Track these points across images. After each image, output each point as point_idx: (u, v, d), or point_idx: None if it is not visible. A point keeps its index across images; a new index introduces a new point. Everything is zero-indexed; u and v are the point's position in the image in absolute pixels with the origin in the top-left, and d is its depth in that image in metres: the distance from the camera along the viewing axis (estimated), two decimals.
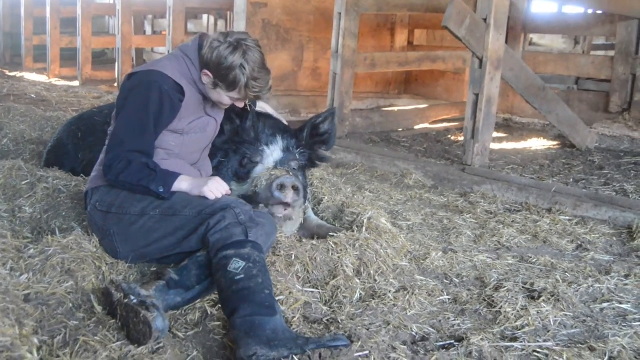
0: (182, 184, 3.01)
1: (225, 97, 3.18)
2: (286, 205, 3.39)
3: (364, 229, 3.63)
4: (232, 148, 3.66)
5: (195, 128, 3.26)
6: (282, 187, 3.33)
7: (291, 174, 3.49)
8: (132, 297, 2.54)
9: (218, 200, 2.96)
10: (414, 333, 2.81)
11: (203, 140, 3.38)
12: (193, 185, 3.04)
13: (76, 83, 11.65)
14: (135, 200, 3.02)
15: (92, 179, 3.24)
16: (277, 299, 2.85)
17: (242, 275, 2.63)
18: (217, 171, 3.62)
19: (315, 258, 3.26)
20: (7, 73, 12.80)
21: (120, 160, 2.94)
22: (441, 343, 2.75)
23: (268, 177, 3.43)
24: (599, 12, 8.53)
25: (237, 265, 2.66)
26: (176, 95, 3.10)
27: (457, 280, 3.46)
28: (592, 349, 2.70)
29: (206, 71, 3.10)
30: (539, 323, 2.94)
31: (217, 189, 3.04)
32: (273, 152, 3.64)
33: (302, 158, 3.77)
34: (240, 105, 3.31)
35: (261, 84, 3.10)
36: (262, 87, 3.12)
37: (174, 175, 3.01)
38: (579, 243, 4.17)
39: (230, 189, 3.50)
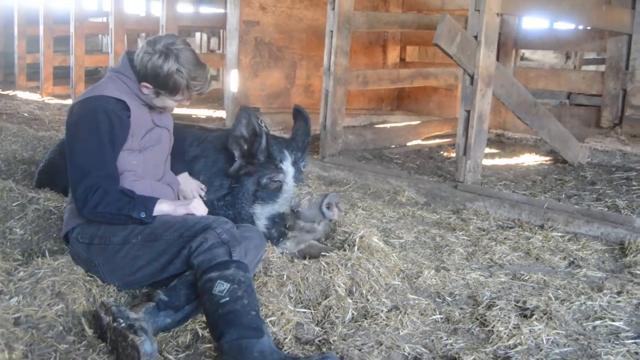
0: (162, 207, 2.99)
1: (169, 102, 3.18)
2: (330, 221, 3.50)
3: (355, 248, 3.63)
4: (245, 171, 3.62)
5: (151, 141, 3.23)
6: (330, 205, 3.42)
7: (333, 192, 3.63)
8: (121, 321, 2.53)
9: (199, 220, 2.93)
10: (406, 353, 2.80)
11: (161, 152, 3.35)
12: (175, 205, 3.04)
13: (69, 101, 11.64)
14: (116, 229, 2.99)
15: (67, 221, 3.17)
16: (268, 319, 2.85)
17: (227, 298, 2.61)
18: (232, 196, 3.61)
19: (307, 278, 3.24)
20: (0, 92, 12.81)
21: (94, 191, 2.88)
22: None
23: (308, 196, 3.49)
24: (589, 27, 8.57)
25: (221, 287, 2.64)
26: (123, 112, 3.07)
27: (449, 299, 3.46)
28: None
29: (144, 84, 3.09)
30: (532, 342, 2.93)
31: (200, 207, 3.08)
32: (289, 169, 3.65)
33: (303, 168, 3.81)
34: (187, 103, 3.29)
35: (200, 81, 3.12)
36: (202, 83, 3.14)
37: (154, 200, 2.99)
38: (571, 260, 4.17)
39: (253, 213, 3.53)
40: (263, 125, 3.59)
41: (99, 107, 3.01)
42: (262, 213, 3.59)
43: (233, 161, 3.61)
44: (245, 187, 3.61)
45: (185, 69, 3.04)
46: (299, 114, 3.96)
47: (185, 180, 3.57)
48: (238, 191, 3.61)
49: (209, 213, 3.48)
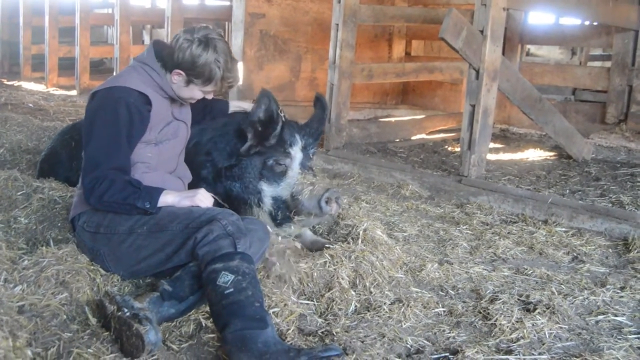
0: (167, 198, 3.00)
1: (198, 92, 3.20)
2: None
3: (359, 240, 3.63)
4: (255, 151, 3.60)
5: (168, 134, 3.25)
6: (329, 200, 3.42)
7: (334, 188, 3.57)
8: (125, 310, 2.54)
9: (204, 212, 2.94)
10: (408, 345, 2.81)
11: (177, 145, 3.37)
12: (181, 197, 3.04)
13: (74, 92, 11.66)
14: (122, 219, 3.00)
15: (75, 205, 3.21)
16: (271, 310, 2.86)
17: (232, 289, 2.62)
18: (240, 169, 3.59)
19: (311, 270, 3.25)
20: (5, 82, 12.84)
21: (101, 180, 2.90)
22: (436, 356, 2.74)
23: (310, 187, 3.50)
24: (596, 23, 8.55)
25: (226, 278, 2.65)
26: (144, 106, 3.09)
27: (452, 292, 3.46)
28: None
29: (178, 71, 3.11)
30: (534, 336, 2.94)
31: (206, 198, 3.08)
32: (297, 154, 3.64)
33: (312, 155, 3.80)
34: (210, 97, 3.31)
35: (233, 74, 3.17)
36: (235, 76, 3.19)
37: (159, 190, 3.00)
38: (575, 255, 4.17)
39: (261, 190, 3.54)
40: (282, 113, 3.58)
41: (120, 99, 3.02)
42: (267, 191, 3.59)
43: (244, 139, 3.60)
44: (253, 163, 3.60)
45: (223, 60, 3.08)
46: (317, 102, 3.93)
47: None
48: (247, 165, 3.60)
49: (216, 180, 3.49)
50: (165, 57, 3.14)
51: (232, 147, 3.64)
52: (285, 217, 3.59)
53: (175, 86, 3.18)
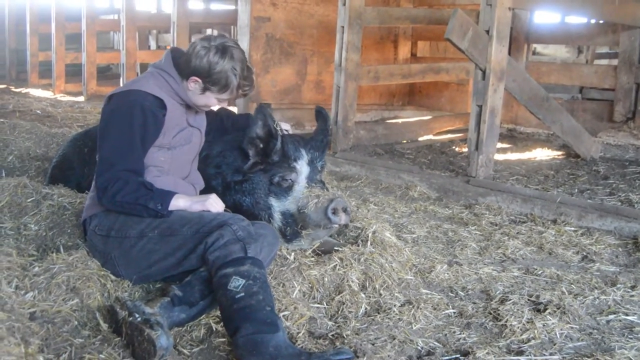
0: (179, 202, 3.02)
1: (213, 100, 3.21)
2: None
3: (368, 243, 3.63)
4: (259, 168, 3.60)
5: (181, 140, 3.26)
6: (335, 210, 3.37)
7: (341, 196, 3.52)
8: (137, 315, 2.55)
9: (215, 217, 2.95)
10: (419, 347, 2.80)
11: (190, 152, 3.38)
12: (192, 201, 3.06)
13: (81, 98, 11.71)
14: (133, 222, 3.01)
15: (87, 207, 3.23)
16: (282, 314, 2.86)
17: (243, 294, 2.63)
18: (250, 184, 3.59)
19: (321, 273, 3.25)
20: (13, 89, 12.89)
21: (115, 181, 2.93)
22: (447, 357, 2.74)
23: (316, 199, 3.45)
24: (602, 21, 8.52)
25: (237, 283, 2.66)
26: (158, 110, 3.11)
27: (462, 294, 3.46)
28: None
29: (195, 78, 3.12)
30: (545, 336, 2.93)
31: (217, 203, 3.09)
32: (302, 168, 3.62)
33: (321, 167, 3.78)
34: (225, 105, 3.32)
35: (249, 82, 3.18)
36: (250, 85, 3.20)
37: (171, 193, 3.02)
38: (585, 254, 4.16)
39: (271, 205, 3.53)
40: (278, 127, 3.57)
41: (136, 102, 3.05)
42: (277, 207, 3.57)
43: (248, 157, 3.60)
44: (262, 180, 3.59)
45: (240, 68, 3.10)
46: (319, 114, 3.91)
47: None
48: (256, 182, 3.59)
49: (225, 192, 3.50)
50: (182, 64, 3.16)
51: (240, 162, 3.63)
52: (294, 232, 3.55)
53: (191, 93, 3.20)
